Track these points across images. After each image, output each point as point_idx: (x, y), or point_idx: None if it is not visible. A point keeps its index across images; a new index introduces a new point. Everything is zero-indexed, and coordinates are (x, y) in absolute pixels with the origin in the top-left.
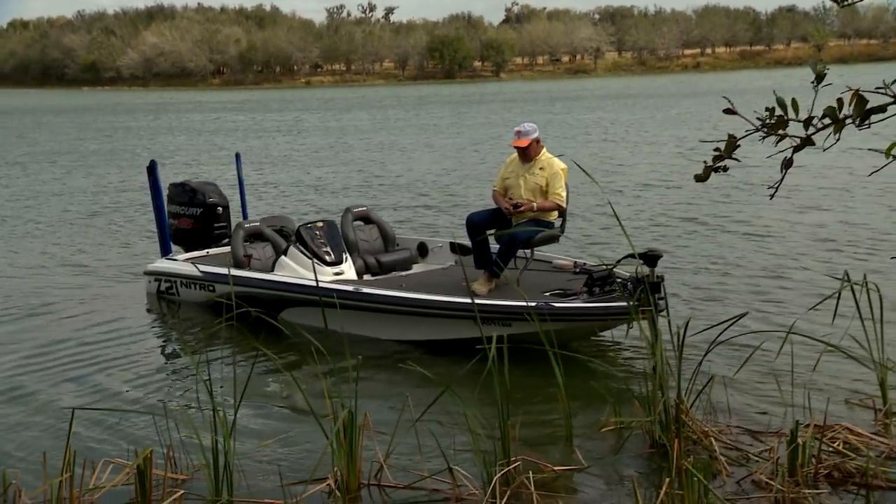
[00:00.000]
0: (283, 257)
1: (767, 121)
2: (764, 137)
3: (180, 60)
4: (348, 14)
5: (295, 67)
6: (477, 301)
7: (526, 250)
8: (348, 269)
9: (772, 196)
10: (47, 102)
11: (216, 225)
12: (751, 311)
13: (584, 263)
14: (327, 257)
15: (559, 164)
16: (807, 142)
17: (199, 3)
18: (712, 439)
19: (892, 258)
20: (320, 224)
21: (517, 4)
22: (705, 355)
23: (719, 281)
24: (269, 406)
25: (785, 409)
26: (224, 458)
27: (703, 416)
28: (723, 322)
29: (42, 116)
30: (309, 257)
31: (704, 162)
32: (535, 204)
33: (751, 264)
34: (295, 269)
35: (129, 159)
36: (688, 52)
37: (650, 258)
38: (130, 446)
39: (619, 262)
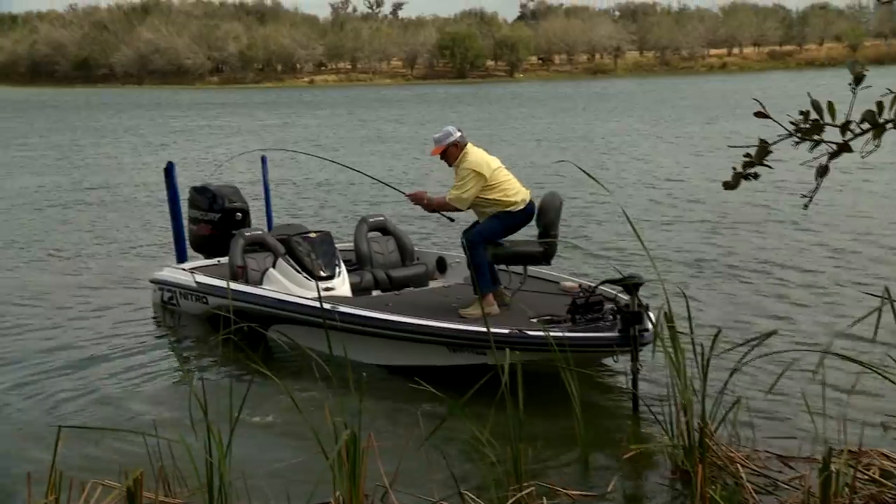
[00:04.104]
0: (270, 270)
1: (801, 125)
2: (798, 143)
3: (177, 57)
4: (354, 9)
5: (298, 66)
6: (446, 325)
7: (516, 266)
8: (341, 285)
9: (806, 205)
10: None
11: (235, 231)
12: (780, 329)
13: (591, 287)
14: (320, 272)
15: (469, 163)
16: (844, 148)
17: None
18: (738, 465)
19: None
20: (313, 235)
21: (533, 1)
22: (731, 376)
23: (747, 296)
24: (267, 426)
25: (816, 433)
26: (219, 480)
27: (728, 441)
28: (750, 340)
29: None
30: (298, 271)
31: (734, 168)
32: (426, 195)
33: (780, 279)
34: (282, 283)
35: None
36: (714, 51)
37: (630, 285)
38: (121, 467)
39: (594, 289)
